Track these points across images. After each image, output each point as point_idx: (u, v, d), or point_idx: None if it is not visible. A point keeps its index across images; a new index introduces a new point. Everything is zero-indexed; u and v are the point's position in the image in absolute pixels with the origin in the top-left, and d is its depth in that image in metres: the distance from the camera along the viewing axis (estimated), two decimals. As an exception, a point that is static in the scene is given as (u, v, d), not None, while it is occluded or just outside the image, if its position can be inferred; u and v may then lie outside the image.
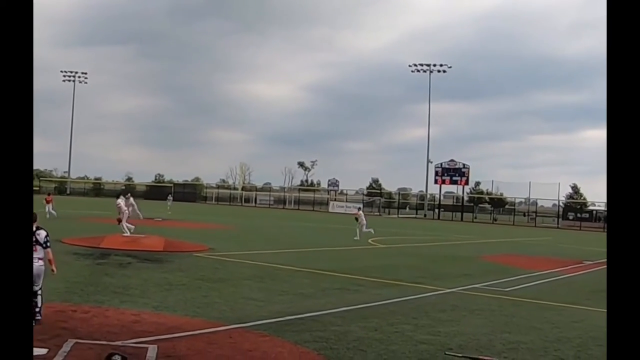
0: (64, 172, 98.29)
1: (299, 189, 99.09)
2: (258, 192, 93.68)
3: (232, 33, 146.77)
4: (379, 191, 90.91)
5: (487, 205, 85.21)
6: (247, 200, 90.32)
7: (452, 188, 79.02)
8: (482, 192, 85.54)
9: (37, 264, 6.53)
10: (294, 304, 9.97)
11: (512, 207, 73.93)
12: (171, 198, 52.89)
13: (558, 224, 65.08)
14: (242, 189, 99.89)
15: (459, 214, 71.93)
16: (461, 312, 10.11)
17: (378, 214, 75.42)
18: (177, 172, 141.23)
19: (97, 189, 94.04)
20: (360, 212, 28.66)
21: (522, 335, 8.39)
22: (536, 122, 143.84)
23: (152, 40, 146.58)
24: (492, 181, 79.43)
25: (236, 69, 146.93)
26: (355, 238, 25.88)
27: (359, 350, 6.96)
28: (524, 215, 72.91)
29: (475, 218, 72.25)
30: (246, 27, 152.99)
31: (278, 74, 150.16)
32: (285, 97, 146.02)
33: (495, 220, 71.46)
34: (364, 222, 27.13)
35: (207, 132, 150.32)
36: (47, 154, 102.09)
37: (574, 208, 73.72)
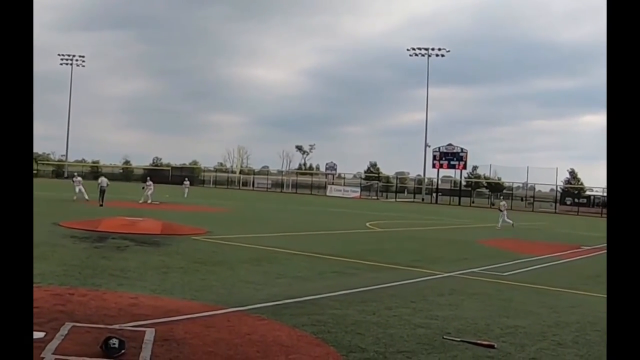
0: (62, 155, 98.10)
1: (297, 173, 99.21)
2: (256, 176, 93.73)
3: (231, 18, 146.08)
4: (376, 175, 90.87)
5: (484, 190, 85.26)
6: (245, 183, 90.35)
7: (450, 172, 79.05)
8: (479, 177, 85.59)
9: None
10: (291, 287, 9.96)
11: (510, 192, 73.92)
12: (188, 183, 50.54)
13: (555, 209, 65.17)
14: (240, 173, 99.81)
15: (456, 198, 71.94)
16: (459, 296, 10.11)
17: (376, 197, 75.54)
18: (175, 155, 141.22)
19: (95, 172, 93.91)
20: (150, 182, 35.49)
21: (520, 319, 8.38)
22: (534, 107, 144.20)
23: (151, 25, 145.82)
24: (490, 166, 79.69)
25: (235, 54, 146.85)
26: (148, 201, 33.12)
27: (357, 333, 6.94)
28: (522, 200, 72.94)
29: (473, 202, 72.37)
30: (246, 13, 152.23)
31: (277, 58, 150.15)
32: (284, 81, 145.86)
33: (493, 204, 71.46)
34: (152, 190, 34.65)
35: (205, 116, 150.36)
36: (44, 137, 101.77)
37: (571, 193, 73.81)
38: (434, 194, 75.65)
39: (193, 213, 28.12)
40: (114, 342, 5.46)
